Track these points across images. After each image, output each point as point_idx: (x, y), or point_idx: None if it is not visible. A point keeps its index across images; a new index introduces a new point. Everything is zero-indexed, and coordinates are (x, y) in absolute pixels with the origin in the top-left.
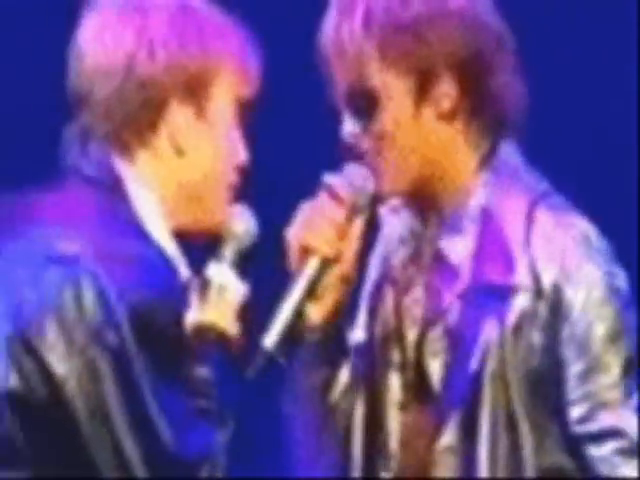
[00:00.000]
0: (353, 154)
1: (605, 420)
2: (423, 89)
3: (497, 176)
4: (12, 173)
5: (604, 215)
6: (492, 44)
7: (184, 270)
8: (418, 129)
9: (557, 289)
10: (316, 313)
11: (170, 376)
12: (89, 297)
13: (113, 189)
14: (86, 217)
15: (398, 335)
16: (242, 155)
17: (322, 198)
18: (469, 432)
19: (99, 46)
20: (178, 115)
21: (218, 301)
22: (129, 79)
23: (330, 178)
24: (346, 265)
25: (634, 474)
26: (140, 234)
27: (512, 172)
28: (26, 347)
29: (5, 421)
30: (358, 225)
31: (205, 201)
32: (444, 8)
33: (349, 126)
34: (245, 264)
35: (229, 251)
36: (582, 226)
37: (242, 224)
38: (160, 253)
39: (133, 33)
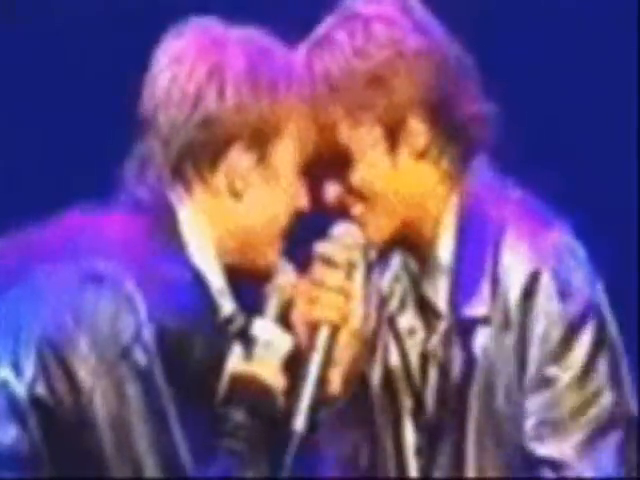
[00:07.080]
0: (338, 212)
1: (548, 448)
2: (394, 134)
3: (468, 196)
4: (73, 190)
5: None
6: (452, 74)
7: (228, 305)
8: (396, 173)
9: (521, 304)
10: (336, 378)
11: (199, 410)
12: (123, 316)
13: (163, 216)
14: (130, 239)
15: (408, 380)
16: (301, 203)
17: (317, 269)
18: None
19: (172, 74)
20: (240, 158)
21: (264, 356)
22: (195, 112)
23: (320, 246)
24: (355, 321)
25: None
26: (183, 263)
27: (483, 186)
28: (55, 355)
29: (29, 425)
30: (358, 278)
31: (255, 245)
32: (401, 51)
33: (329, 187)
34: (288, 314)
35: (273, 305)
36: (553, 235)
37: (284, 277)
38: (201, 283)
39: (207, 68)
